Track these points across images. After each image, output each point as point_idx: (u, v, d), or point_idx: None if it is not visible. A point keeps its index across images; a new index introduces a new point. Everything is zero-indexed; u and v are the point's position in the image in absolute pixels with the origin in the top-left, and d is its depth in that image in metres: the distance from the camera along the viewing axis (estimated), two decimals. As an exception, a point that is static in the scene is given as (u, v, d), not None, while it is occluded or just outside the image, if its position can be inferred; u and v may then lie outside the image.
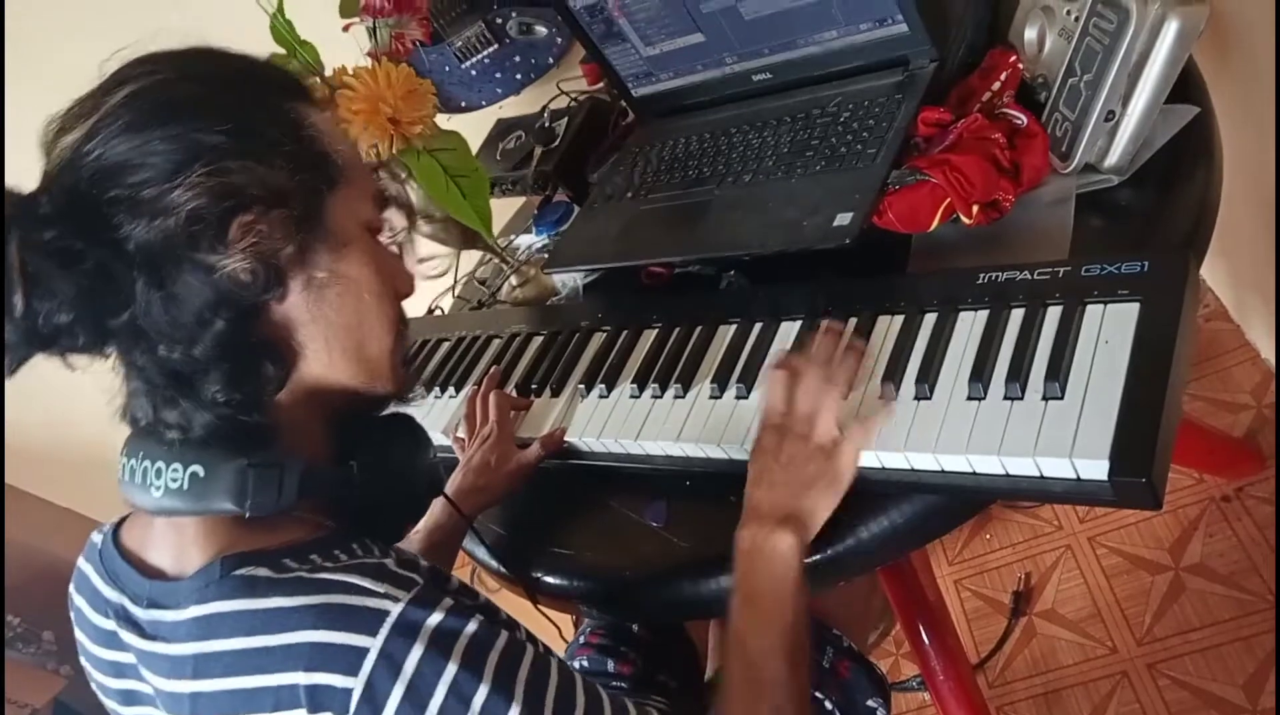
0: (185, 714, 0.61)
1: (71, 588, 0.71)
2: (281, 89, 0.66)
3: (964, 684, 1.25)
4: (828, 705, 0.92)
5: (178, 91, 0.61)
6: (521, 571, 0.95)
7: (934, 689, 1.27)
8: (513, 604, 0.94)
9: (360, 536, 0.65)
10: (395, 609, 0.57)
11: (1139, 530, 1.53)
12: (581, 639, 1.07)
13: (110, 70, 0.62)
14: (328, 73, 1.02)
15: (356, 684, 0.55)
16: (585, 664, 1.03)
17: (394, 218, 0.74)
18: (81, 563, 0.70)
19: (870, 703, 0.96)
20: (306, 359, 0.65)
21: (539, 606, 0.95)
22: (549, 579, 0.93)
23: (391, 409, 0.75)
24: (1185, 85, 0.87)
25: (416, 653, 0.56)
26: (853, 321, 0.83)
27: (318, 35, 1.03)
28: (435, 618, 0.57)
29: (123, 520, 0.71)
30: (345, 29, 1.09)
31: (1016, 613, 1.56)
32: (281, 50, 1.00)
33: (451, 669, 0.56)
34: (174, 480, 0.61)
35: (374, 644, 0.56)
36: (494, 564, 0.97)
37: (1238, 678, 1.31)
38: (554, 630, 1.00)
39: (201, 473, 0.60)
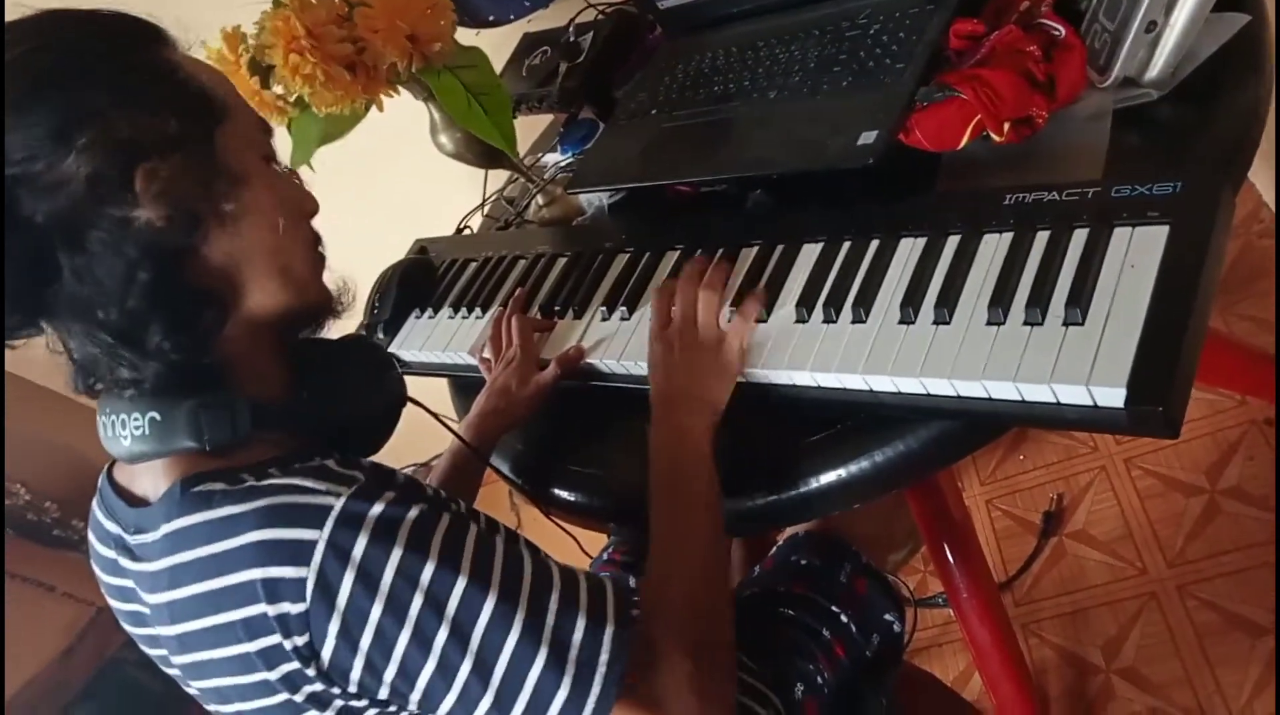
0: (167, 622, 0.66)
1: (89, 531, 0.75)
2: (141, 38, 0.66)
3: (986, 602, 1.26)
4: (843, 619, 0.94)
5: (43, 61, 0.61)
6: (543, 488, 0.97)
7: (956, 606, 1.28)
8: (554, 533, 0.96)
9: (328, 451, 0.67)
10: (338, 503, 0.60)
11: (1176, 452, 1.51)
12: (605, 556, 1.10)
13: None
14: (346, -11, 1.01)
15: (309, 572, 0.59)
16: (607, 578, 1.05)
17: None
18: (93, 505, 0.75)
19: (886, 617, 0.97)
20: (244, 292, 0.67)
21: (552, 518, 0.98)
22: (577, 497, 0.95)
23: (342, 331, 0.78)
24: (1238, -10, 0.82)
25: (363, 541, 0.59)
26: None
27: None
28: (377, 508, 0.61)
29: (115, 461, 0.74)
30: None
31: (1047, 533, 1.56)
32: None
33: (398, 552, 0.59)
34: (137, 428, 0.65)
35: (321, 535, 0.59)
36: (516, 480, 1.00)
37: (1267, 600, 1.30)
38: (574, 544, 1.02)
39: (159, 417, 0.64)
